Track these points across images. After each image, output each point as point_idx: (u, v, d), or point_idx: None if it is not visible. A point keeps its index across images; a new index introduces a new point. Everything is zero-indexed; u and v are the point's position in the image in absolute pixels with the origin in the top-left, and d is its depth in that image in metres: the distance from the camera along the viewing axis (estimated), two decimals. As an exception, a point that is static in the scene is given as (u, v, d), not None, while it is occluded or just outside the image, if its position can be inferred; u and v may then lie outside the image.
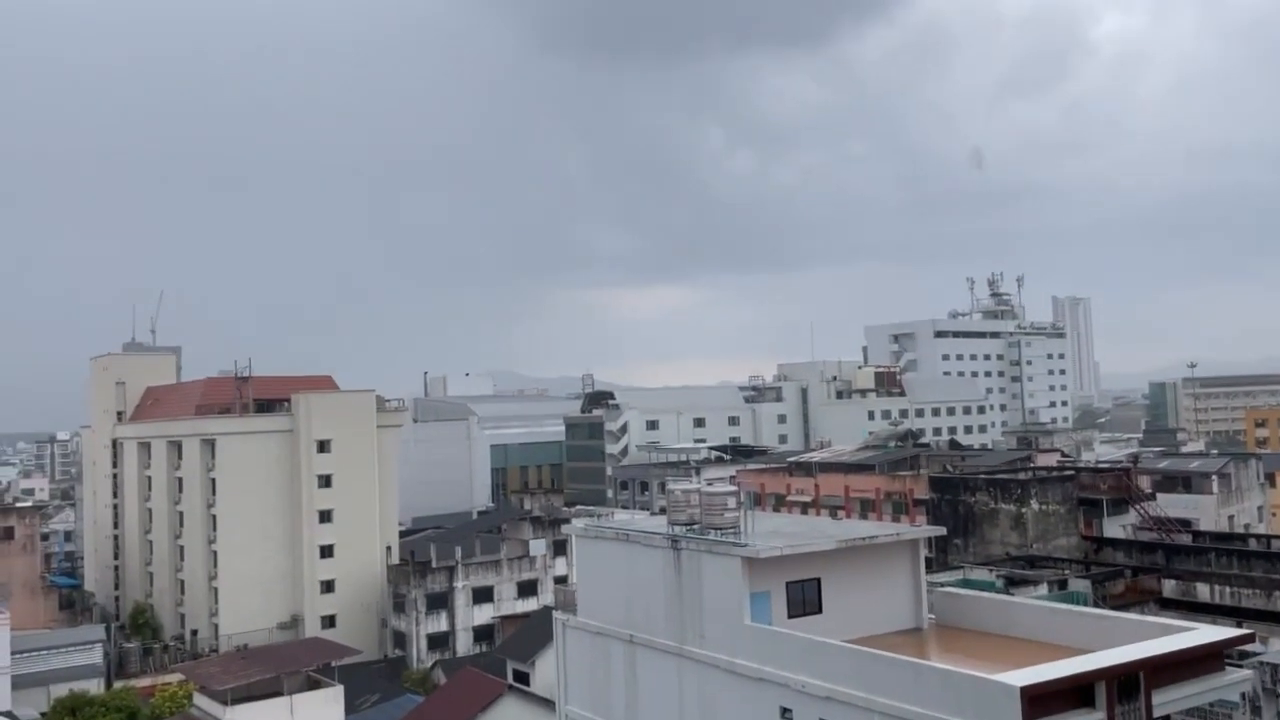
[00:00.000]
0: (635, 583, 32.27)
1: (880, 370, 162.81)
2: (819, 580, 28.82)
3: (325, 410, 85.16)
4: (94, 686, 63.80)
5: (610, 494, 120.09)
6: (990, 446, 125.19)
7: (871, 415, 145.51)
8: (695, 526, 30.60)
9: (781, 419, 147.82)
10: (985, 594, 33.66)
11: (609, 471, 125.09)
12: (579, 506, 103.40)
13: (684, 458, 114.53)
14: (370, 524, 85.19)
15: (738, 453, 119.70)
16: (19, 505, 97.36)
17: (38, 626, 75.75)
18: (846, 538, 29.39)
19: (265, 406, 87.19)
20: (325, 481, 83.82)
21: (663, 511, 35.60)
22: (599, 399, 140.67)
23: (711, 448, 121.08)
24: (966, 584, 40.38)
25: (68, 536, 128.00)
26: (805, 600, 28.66)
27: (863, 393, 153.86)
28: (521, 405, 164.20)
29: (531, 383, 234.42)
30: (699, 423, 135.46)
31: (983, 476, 61.48)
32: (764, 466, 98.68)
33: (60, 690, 61.34)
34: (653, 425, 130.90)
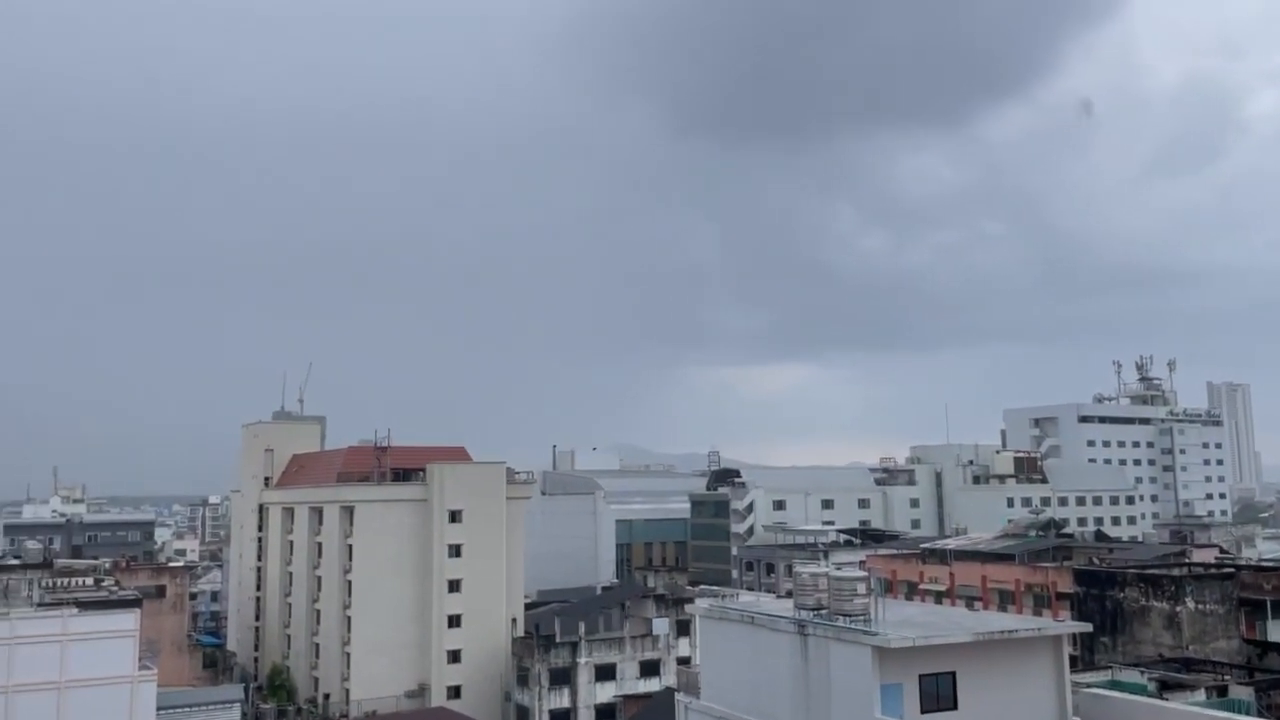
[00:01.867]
0: (760, 667, 31.61)
1: (1020, 455, 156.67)
2: (954, 674, 27.67)
3: (458, 481, 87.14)
4: (231, 744, 65.79)
5: (735, 574, 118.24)
6: (1140, 539, 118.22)
7: (1010, 502, 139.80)
8: (823, 611, 29.90)
9: (914, 503, 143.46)
10: (1137, 698, 31.64)
11: (734, 551, 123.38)
12: (703, 586, 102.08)
13: (812, 539, 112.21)
14: (497, 595, 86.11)
15: (868, 537, 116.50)
16: (171, 565, 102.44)
17: (182, 683, 78.85)
18: (984, 630, 28.21)
19: (402, 475, 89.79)
20: (455, 551, 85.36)
21: (789, 595, 34.90)
22: (725, 477, 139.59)
23: (840, 530, 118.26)
24: (1115, 685, 37.95)
25: (214, 596, 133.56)
26: (939, 695, 27.54)
27: (1001, 478, 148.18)
28: (647, 481, 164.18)
29: (657, 459, 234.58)
30: (827, 504, 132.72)
31: (1133, 571, 58.07)
32: (895, 552, 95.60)
33: (200, 746, 63.49)
34: (779, 505, 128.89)
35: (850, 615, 28.83)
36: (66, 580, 75.32)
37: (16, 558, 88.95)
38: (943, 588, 79.43)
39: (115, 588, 74.15)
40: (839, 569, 33.37)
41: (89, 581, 76.34)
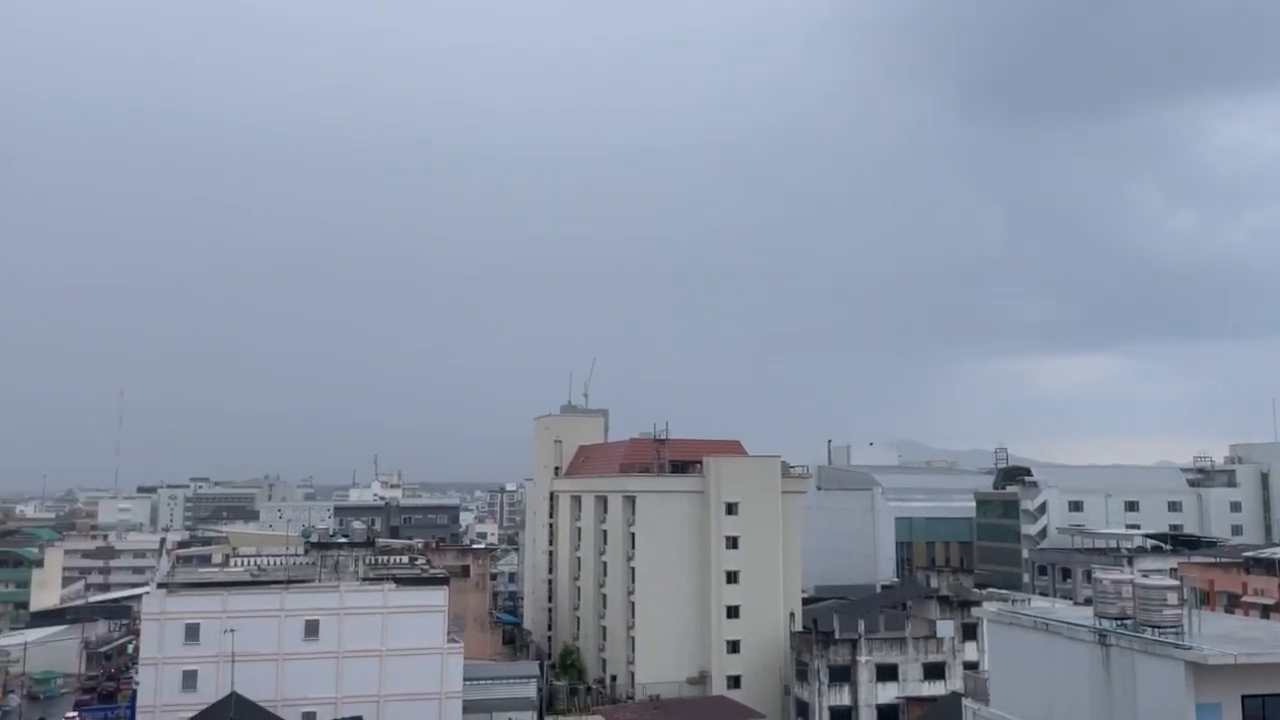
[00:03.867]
0: (1055, 677, 29.81)
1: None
2: (1286, 698, 24.82)
3: (734, 473, 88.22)
4: (528, 718, 70.31)
5: (1026, 578, 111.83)
6: None
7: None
8: (1128, 622, 27.74)
9: (1235, 507, 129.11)
10: None
11: (1025, 554, 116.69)
12: (990, 589, 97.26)
13: (1114, 544, 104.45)
14: (774, 588, 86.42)
15: (1179, 543, 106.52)
16: (474, 547, 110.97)
17: (485, 657, 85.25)
18: (1323, 652, 25.07)
19: (680, 467, 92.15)
20: (733, 543, 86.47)
21: (1088, 602, 32.67)
22: (1014, 475, 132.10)
23: (1147, 535, 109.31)
24: None
25: (511, 578, 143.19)
26: (1267, 719, 24.78)
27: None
28: (928, 478, 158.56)
29: (939, 455, 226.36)
30: (1131, 506, 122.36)
31: None
32: (1213, 560, 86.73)
33: (501, 718, 68.33)
34: (1076, 506, 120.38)
35: (1159, 626, 26.59)
36: (386, 558, 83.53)
37: (345, 537, 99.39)
38: (1270, 600, 71.42)
39: (427, 566, 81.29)
40: (1145, 576, 30.86)
41: (404, 560, 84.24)
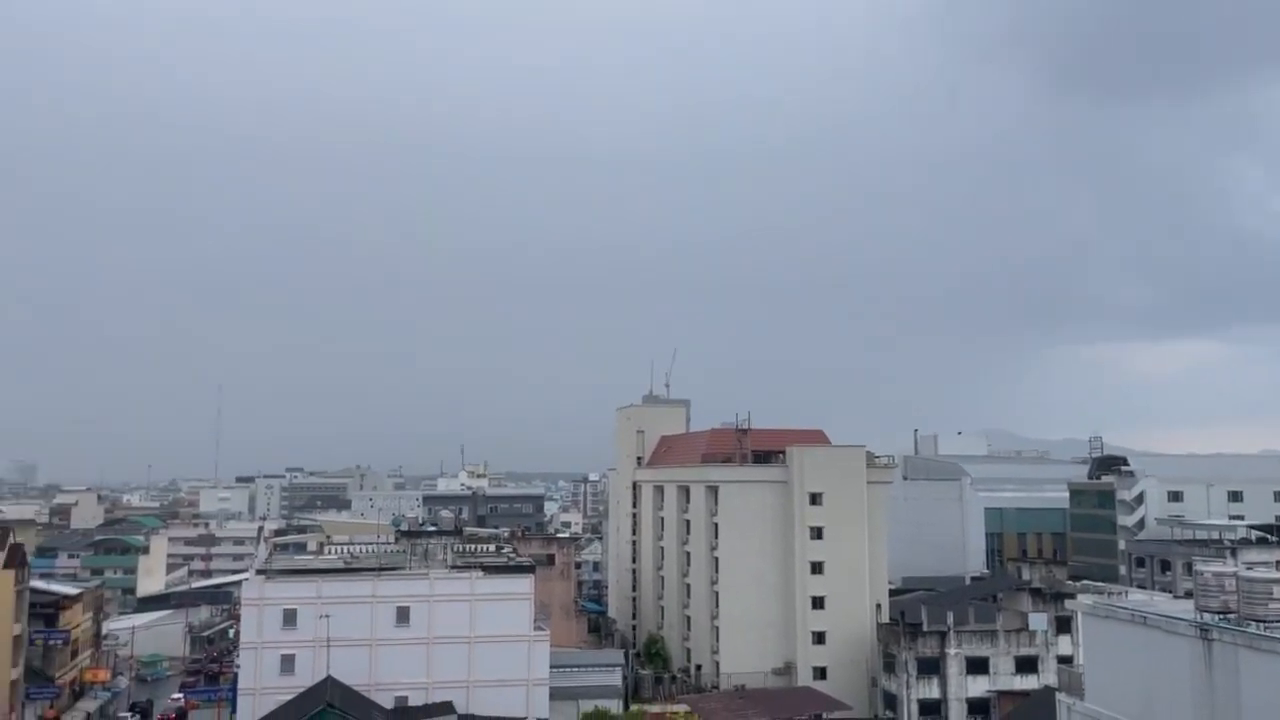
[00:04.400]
0: (1153, 672, 28.94)
1: None
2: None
3: (818, 464, 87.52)
4: (614, 706, 70.94)
5: (1123, 570, 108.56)
6: None
7: None
8: (1231, 616, 26.78)
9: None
10: None
11: (1121, 545, 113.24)
12: (1085, 581, 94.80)
13: (1216, 535, 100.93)
14: (860, 579, 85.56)
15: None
16: (559, 536, 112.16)
17: (570, 645, 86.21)
18: None
19: (762, 457, 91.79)
20: (817, 533, 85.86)
21: (1188, 595, 31.62)
22: (1109, 464, 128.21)
23: (1252, 526, 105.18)
24: None
25: (596, 567, 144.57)
26: (1384, 720, 23.70)
27: None
28: (1019, 468, 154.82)
29: (1029, 444, 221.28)
30: (1235, 497, 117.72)
31: None
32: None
33: (587, 705, 69.03)
34: (1175, 497, 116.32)
35: (1265, 621, 25.60)
36: (473, 546, 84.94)
37: (433, 525, 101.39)
38: (1389, 597, 67.91)
39: (513, 555, 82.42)
40: (1250, 569, 29.72)
41: (491, 548, 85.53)
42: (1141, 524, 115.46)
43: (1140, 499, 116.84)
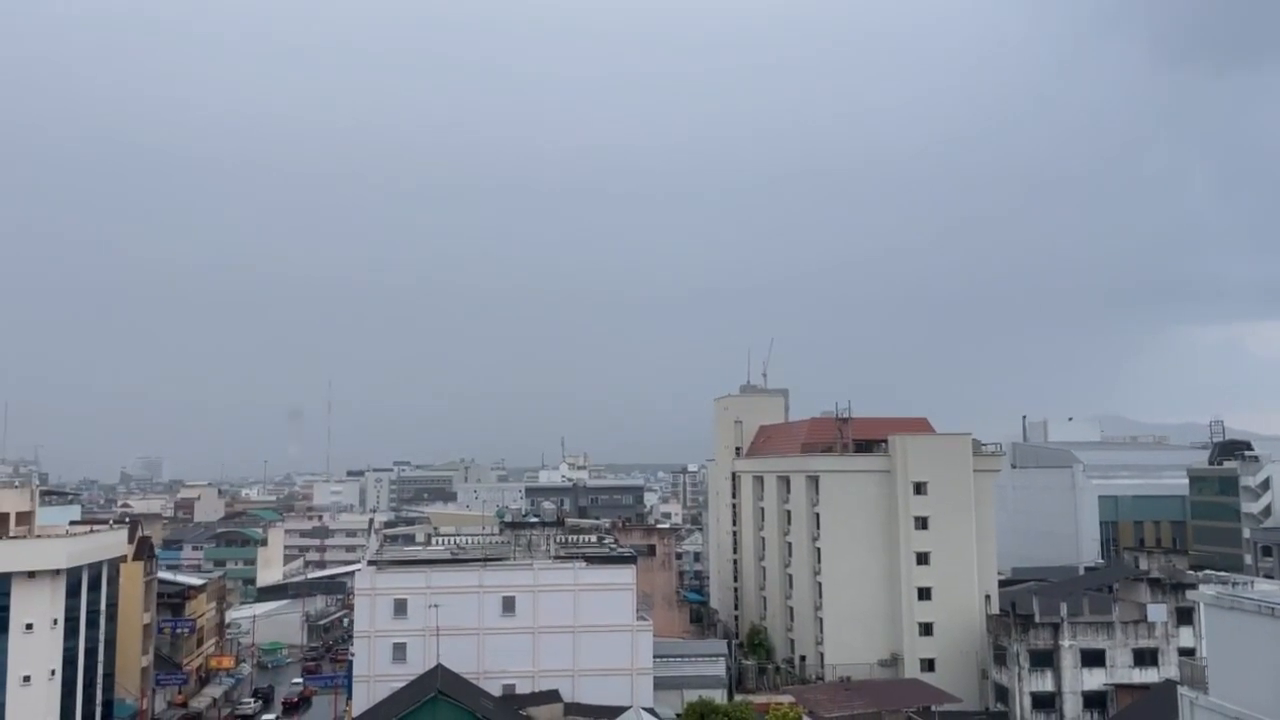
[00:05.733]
0: (1286, 666, 27.65)
1: None
2: None
3: (921, 452, 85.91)
4: (718, 696, 70.93)
5: (1248, 559, 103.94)
6: None
7: None
8: (1369, 607, 25.39)
9: None
10: None
11: (1246, 533, 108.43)
12: (1207, 571, 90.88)
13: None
14: (968, 570, 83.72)
15: None
16: (659, 527, 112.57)
17: (673, 635, 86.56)
18: None
19: (864, 447, 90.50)
20: (922, 523, 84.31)
21: (1322, 585, 30.09)
22: (1232, 449, 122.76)
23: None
24: None
25: (696, 557, 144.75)
26: None
27: None
28: (1134, 454, 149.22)
29: (1145, 429, 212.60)
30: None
31: None
32: None
33: (691, 695, 69.21)
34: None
35: None
36: (575, 537, 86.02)
37: (536, 516, 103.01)
38: None
39: (615, 545, 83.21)
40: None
41: (593, 539, 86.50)
42: (1268, 511, 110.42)
43: (1266, 485, 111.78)
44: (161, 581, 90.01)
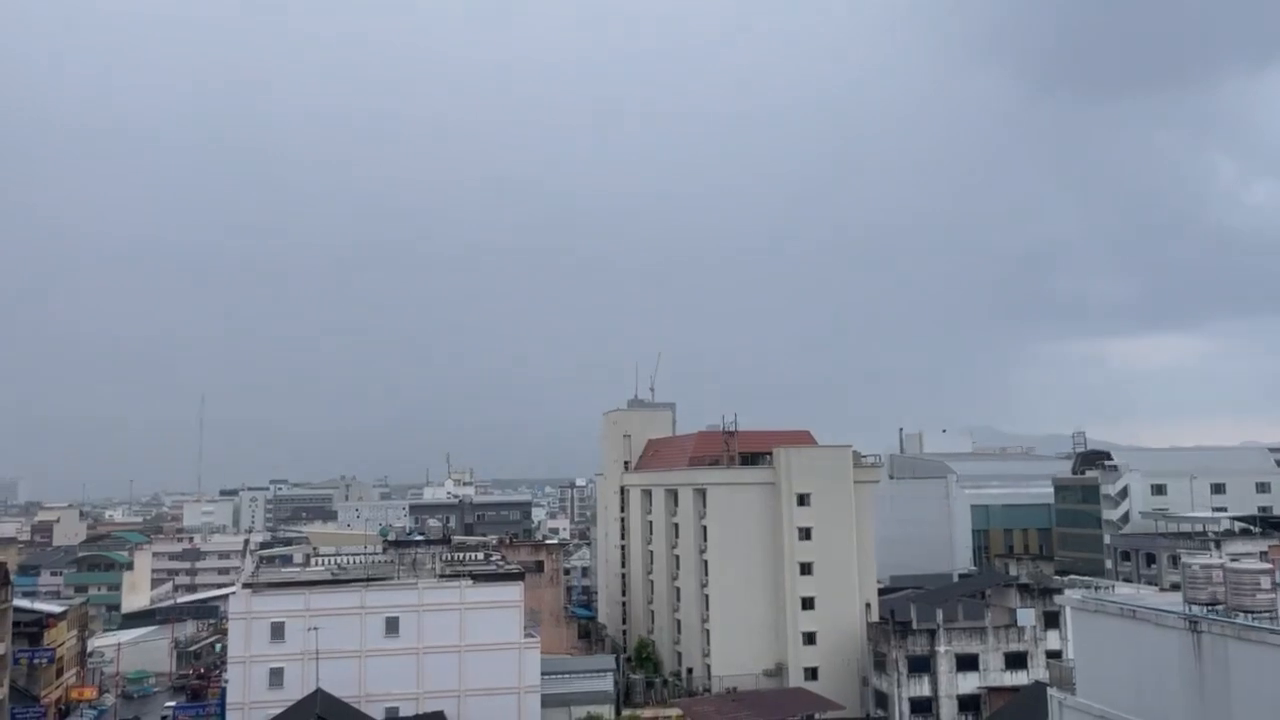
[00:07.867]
0: (1143, 665, 29.11)
1: None
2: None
3: (805, 464, 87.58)
4: (606, 712, 70.79)
5: (1109, 564, 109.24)
6: None
7: None
8: (1219, 607, 26.97)
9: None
10: None
11: (1107, 539, 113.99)
12: (1072, 576, 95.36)
13: (1200, 527, 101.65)
14: (849, 579, 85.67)
15: (1269, 525, 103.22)
16: (547, 543, 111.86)
17: (561, 651, 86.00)
18: None
19: (750, 459, 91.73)
20: (805, 534, 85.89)
21: (1174, 588, 31.84)
22: (1093, 459, 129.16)
23: (1234, 518, 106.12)
24: None
25: (584, 572, 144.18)
26: (1372, 707, 23.90)
27: None
28: (1004, 464, 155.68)
29: (1014, 440, 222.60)
30: (1217, 489, 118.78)
31: None
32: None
33: (579, 711, 68.91)
34: (1159, 490, 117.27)
35: (1253, 612, 25.80)
36: (461, 555, 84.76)
37: (421, 534, 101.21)
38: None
39: (502, 562, 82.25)
40: (1235, 560, 29.96)
41: (479, 556, 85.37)
42: (1126, 518, 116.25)
43: (1124, 493, 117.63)
44: (17, 609, 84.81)
